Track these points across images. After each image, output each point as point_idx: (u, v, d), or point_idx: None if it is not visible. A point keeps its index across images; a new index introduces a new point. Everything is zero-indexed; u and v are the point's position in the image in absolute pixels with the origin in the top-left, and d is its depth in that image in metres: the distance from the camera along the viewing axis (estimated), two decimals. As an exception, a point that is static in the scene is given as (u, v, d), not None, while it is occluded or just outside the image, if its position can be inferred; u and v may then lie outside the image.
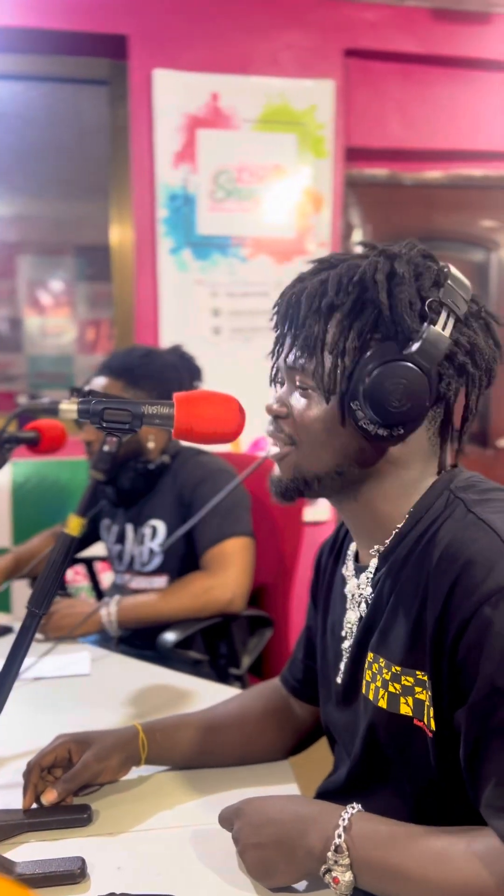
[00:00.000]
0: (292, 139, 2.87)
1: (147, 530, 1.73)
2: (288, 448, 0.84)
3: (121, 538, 1.79)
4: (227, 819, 0.83)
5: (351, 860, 0.70)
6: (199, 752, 1.01)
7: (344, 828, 0.71)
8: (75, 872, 0.78)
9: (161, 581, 1.70)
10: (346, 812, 0.73)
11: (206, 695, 1.28)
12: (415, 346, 0.75)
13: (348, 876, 0.70)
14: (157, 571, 1.71)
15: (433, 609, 0.73)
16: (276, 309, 0.86)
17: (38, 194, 3.15)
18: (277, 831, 0.75)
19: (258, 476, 1.58)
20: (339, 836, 0.71)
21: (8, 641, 1.58)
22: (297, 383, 0.84)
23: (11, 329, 3.20)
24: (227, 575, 1.59)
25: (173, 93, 2.76)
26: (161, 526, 1.71)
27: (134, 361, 1.70)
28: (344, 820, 0.72)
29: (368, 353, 0.77)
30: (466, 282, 0.79)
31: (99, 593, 2.15)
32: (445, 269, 0.79)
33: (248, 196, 2.85)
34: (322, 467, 0.82)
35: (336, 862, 0.70)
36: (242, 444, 2.78)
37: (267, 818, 0.77)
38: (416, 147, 3.09)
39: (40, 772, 0.92)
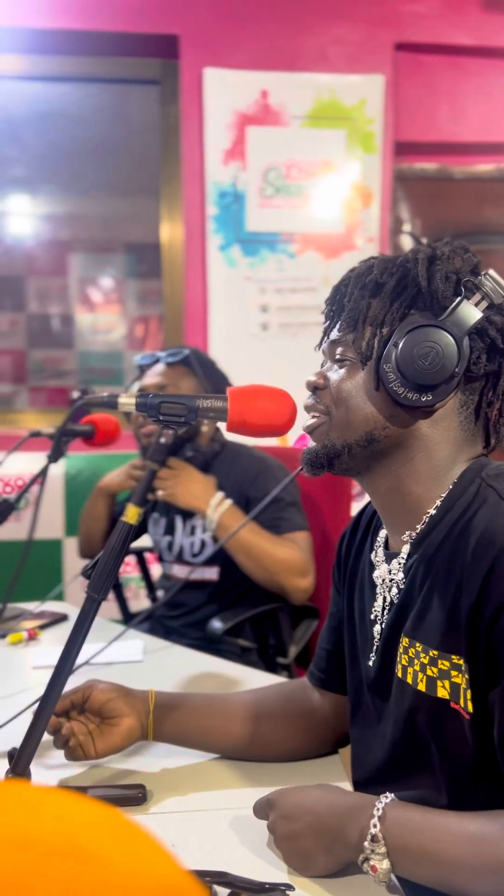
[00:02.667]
0: (341, 134, 2.87)
1: (199, 521, 1.76)
2: (322, 417, 0.88)
3: (170, 529, 1.82)
4: (262, 809, 0.85)
5: (387, 848, 0.72)
6: (210, 739, 1.02)
7: (379, 817, 0.73)
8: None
9: (212, 572, 1.74)
10: (380, 801, 0.74)
11: (254, 683, 1.30)
12: (446, 315, 0.80)
13: (386, 864, 0.72)
14: (208, 562, 1.74)
15: (469, 594, 0.75)
16: (327, 300, 0.91)
17: (88, 193, 3.21)
18: (313, 822, 0.77)
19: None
20: (375, 826, 0.72)
21: (64, 628, 1.63)
22: (337, 356, 0.88)
23: (63, 325, 3.27)
24: (309, 564, 1.63)
25: (223, 91, 2.78)
26: None
27: (187, 351, 1.76)
28: (378, 809, 0.73)
29: (404, 322, 0.82)
30: None
31: (149, 584, 2.20)
32: (484, 269, 0.83)
33: (297, 192, 2.86)
34: (353, 434, 0.85)
35: (373, 851, 0.72)
36: (289, 438, 2.79)
37: (302, 809, 0.79)
38: (467, 140, 3.07)
39: (70, 706, 0.98)
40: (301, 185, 2.86)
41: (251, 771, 1.01)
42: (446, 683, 0.78)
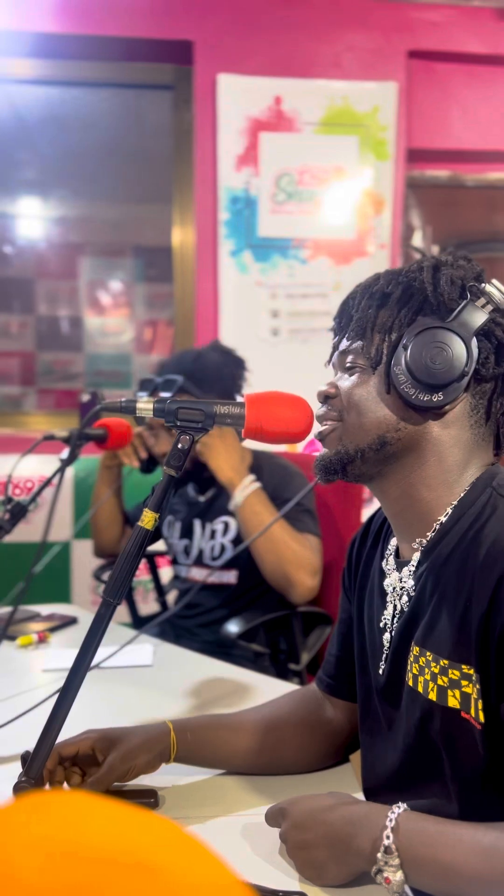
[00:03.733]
0: (354, 141, 2.87)
1: (219, 526, 1.77)
2: (334, 424, 0.88)
3: (187, 533, 1.83)
4: (274, 817, 0.84)
5: (401, 860, 0.71)
6: (228, 757, 1.01)
7: (392, 829, 0.72)
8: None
9: (230, 575, 1.74)
10: (393, 812, 0.74)
11: (265, 689, 1.30)
12: (453, 316, 0.82)
13: (399, 875, 0.71)
14: (227, 566, 1.75)
15: (479, 605, 0.75)
16: (335, 316, 0.93)
17: (99, 197, 3.23)
18: (326, 832, 0.77)
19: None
20: (388, 838, 0.72)
21: (73, 631, 1.63)
22: (347, 364, 0.88)
23: (72, 328, 3.28)
24: (319, 563, 1.63)
25: (237, 97, 2.79)
26: (233, 522, 1.75)
27: (189, 367, 1.74)
28: (391, 820, 0.73)
29: (412, 326, 0.83)
30: None
31: (159, 588, 2.20)
32: (492, 276, 0.86)
33: (309, 198, 2.87)
34: (365, 439, 0.85)
35: (386, 863, 0.71)
36: (300, 443, 2.79)
37: (314, 819, 0.78)
38: (479, 148, 3.07)
39: (59, 760, 0.92)
40: (313, 192, 2.87)
41: (262, 779, 1.01)
42: (457, 693, 0.78)
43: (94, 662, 1.27)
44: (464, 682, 0.78)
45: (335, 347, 0.91)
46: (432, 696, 0.81)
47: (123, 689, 1.33)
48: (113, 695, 1.29)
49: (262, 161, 2.83)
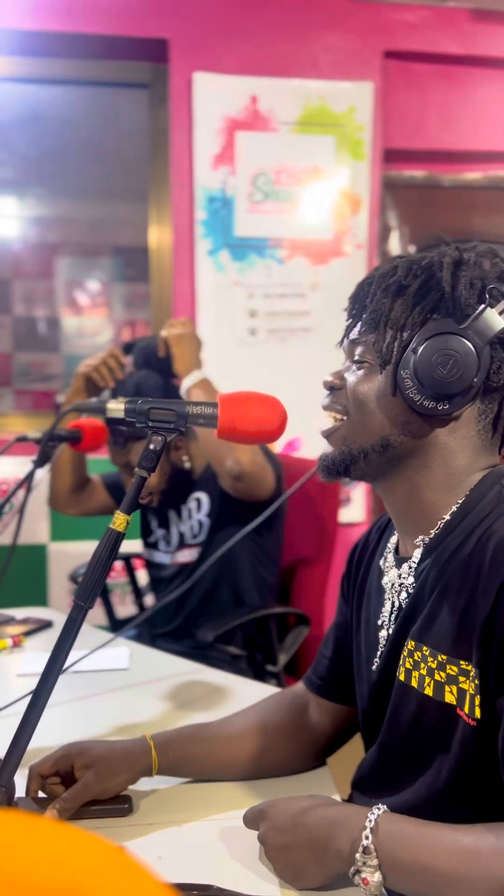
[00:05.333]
0: (330, 141, 2.87)
1: (192, 504, 1.78)
2: (339, 422, 0.87)
3: (163, 523, 1.83)
4: (252, 820, 0.83)
5: (380, 861, 0.71)
6: (212, 766, 0.99)
7: (371, 829, 0.72)
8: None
9: (194, 553, 1.77)
10: (373, 813, 0.73)
11: (243, 691, 1.29)
12: (468, 322, 0.79)
13: (377, 876, 0.71)
14: (205, 542, 1.76)
15: (485, 602, 0.74)
16: (350, 297, 0.90)
17: (76, 196, 3.20)
18: (305, 834, 0.76)
19: (297, 478, 1.60)
20: (367, 838, 0.71)
21: (48, 635, 1.61)
22: (356, 357, 0.86)
23: (49, 329, 3.25)
24: (261, 455, 1.66)
25: (213, 95, 2.78)
26: (204, 497, 1.77)
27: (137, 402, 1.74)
28: (370, 821, 0.72)
29: (425, 328, 0.81)
30: None
31: (136, 590, 2.18)
32: None
33: (286, 198, 2.87)
34: (369, 440, 0.84)
35: (365, 863, 0.71)
36: (278, 443, 2.79)
37: (293, 822, 0.77)
38: (455, 148, 3.08)
39: (41, 779, 0.91)
40: (290, 191, 2.86)
41: (241, 782, 1.00)
42: (454, 689, 0.78)
43: (66, 666, 1.26)
44: (461, 678, 0.77)
45: (347, 332, 0.89)
46: (428, 691, 0.80)
47: (99, 693, 1.31)
48: (88, 699, 1.28)
49: (238, 160, 2.82)
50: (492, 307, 0.79)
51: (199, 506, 1.77)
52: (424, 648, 0.81)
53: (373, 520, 2.98)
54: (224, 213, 2.84)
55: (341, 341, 0.91)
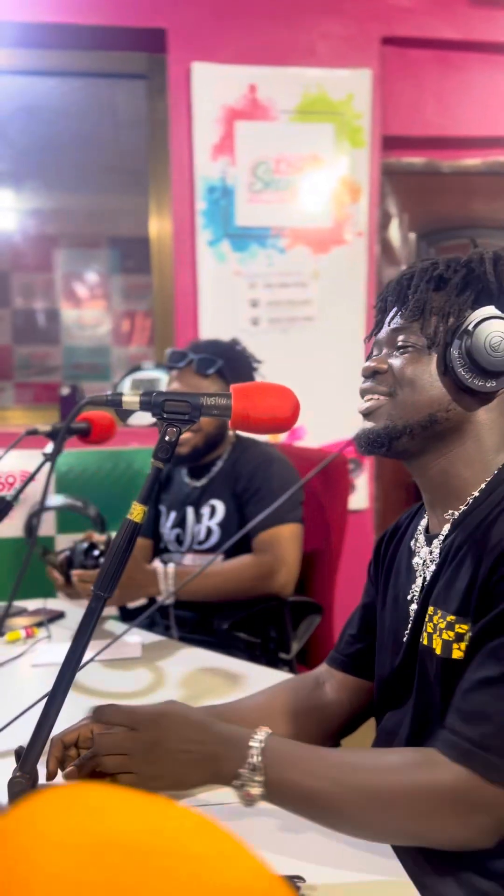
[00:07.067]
0: (329, 129, 2.87)
1: (206, 509, 1.78)
2: (384, 399, 0.91)
3: (180, 522, 1.83)
4: (110, 718, 0.85)
5: (265, 778, 0.77)
6: None
7: (261, 749, 0.78)
8: None
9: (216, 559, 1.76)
10: (261, 733, 0.80)
11: (256, 678, 1.31)
12: None
13: (259, 790, 0.77)
14: (212, 549, 1.76)
15: (488, 560, 0.80)
16: (381, 294, 0.96)
17: (74, 188, 3.19)
18: (195, 748, 0.81)
19: (306, 468, 1.61)
20: (255, 756, 0.78)
21: (61, 625, 1.63)
22: (399, 343, 0.91)
23: (48, 321, 3.25)
24: (281, 559, 1.63)
25: (211, 85, 2.77)
26: (220, 505, 1.76)
27: (226, 352, 1.75)
28: (260, 741, 0.79)
29: (475, 313, 0.87)
30: None
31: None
32: None
33: (286, 187, 2.86)
34: (415, 416, 0.89)
35: (251, 779, 0.78)
36: (282, 433, 2.79)
37: (181, 734, 0.82)
38: (454, 134, 3.07)
39: (63, 748, 0.95)
40: (290, 180, 2.86)
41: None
42: (462, 646, 0.82)
43: (84, 658, 1.27)
44: (468, 637, 0.81)
45: (382, 324, 0.95)
46: (437, 650, 0.84)
47: (114, 682, 1.33)
48: (103, 689, 1.29)
49: (238, 150, 2.82)
50: None
51: (212, 512, 1.77)
52: (439, 612, 0.86)
53: (377, 507, 2.99)
54: (224, 203, 2.84)
55: (373, 334, 0.96)
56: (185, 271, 2.88)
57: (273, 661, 1.66)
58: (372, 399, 0.92)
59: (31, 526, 1.30)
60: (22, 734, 0.84)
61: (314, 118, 2.85)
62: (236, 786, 0.78)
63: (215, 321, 2.84)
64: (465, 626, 0.81)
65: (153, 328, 3.14)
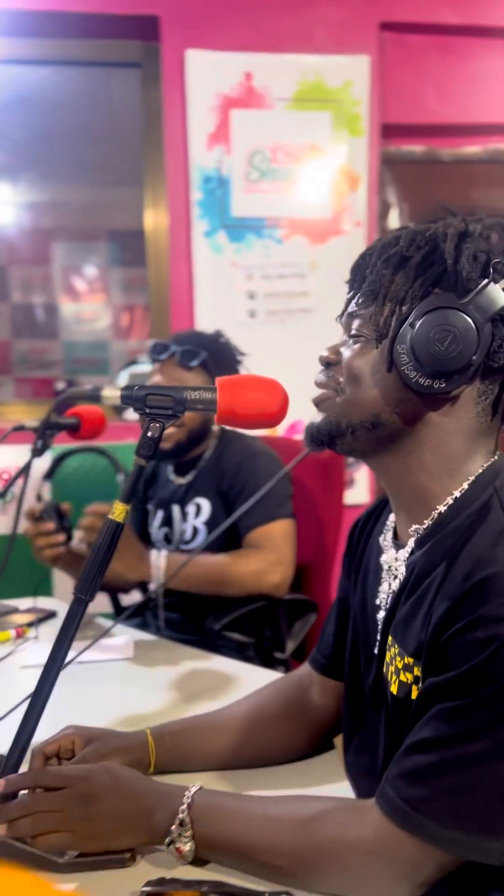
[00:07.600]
0: (327, 117, 2.82)
1: (192, 508, 1.74)
2: (332, 393, 0.84)
3: (167, 521, 1.80)
4: (70, 776, 0.81)
5: (193, 833, 0.77)
6: (212, 755, 0.99)
7: (188, 804, 0.78)
8: (125, 857, 0.78)
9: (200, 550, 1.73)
10: (189, 790, 0.79)
11: (250, 679, 1.28)
12: (469, 297, 0.74)
13: (190, 846, 0.77)
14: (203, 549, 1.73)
15: (442, 605, 0.72)
16: (351, 269, 0.85)
17: (70, 180, 3.16)
18: (126, 806, 0.79)
19: (303, 462, 1.57)
20: (183, 812, 0.77)
21: (53, 625, 1.60)
22: (353, 331, 0.83)
23: (47, 315, 3.22)
24: (275, 558, 1.59)
25: (206, 73, 2.73)
26: (205, 503, 1.73)
27: (210, 344, 1.71)
28: (188, 797, 0.78)
29: (424, 302, 0.76)
30: None
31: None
32: None
33: (283, 176, 2.82)
34: (359, 415, 0.81)
35: (180, 835, 0.77)
36: (279, 427, 2.76)
37: (110, 791, 0.79)
38: (454, 122, 3.03)
39: (44, 759, 0.93)
40: (287, 169, 2.82)
41: (247, 773, 0.99)
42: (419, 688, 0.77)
43: (69, 658, 1.25)
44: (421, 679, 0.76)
45: (346, 305, 0.85)
46: (393, 689, 0.80)
47: (104, 683, 1.30)
48: (93, 690, 1.27)
49: (233, 139, 2.77)
50: (496, 282, 0.74)
51: (198, 511, 1.73)
52: (396, 647, 0.80)
53: (378, 493, 2.96)
54: (220, 194, 2.80)
55: (341, 315, 0.86)
56: (181, 263, 2.84)
57: (268, 661, 1.63)
58: (320, 391, 0.85)
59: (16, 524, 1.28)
60: (5, 739, 0.81)
61: (311, 106, 2.80)
62: (167, 843, 0.78)
63: (212, 313, 2.80)
64: (419, 670, 0.76)
65: (150, 321, 3.10)
